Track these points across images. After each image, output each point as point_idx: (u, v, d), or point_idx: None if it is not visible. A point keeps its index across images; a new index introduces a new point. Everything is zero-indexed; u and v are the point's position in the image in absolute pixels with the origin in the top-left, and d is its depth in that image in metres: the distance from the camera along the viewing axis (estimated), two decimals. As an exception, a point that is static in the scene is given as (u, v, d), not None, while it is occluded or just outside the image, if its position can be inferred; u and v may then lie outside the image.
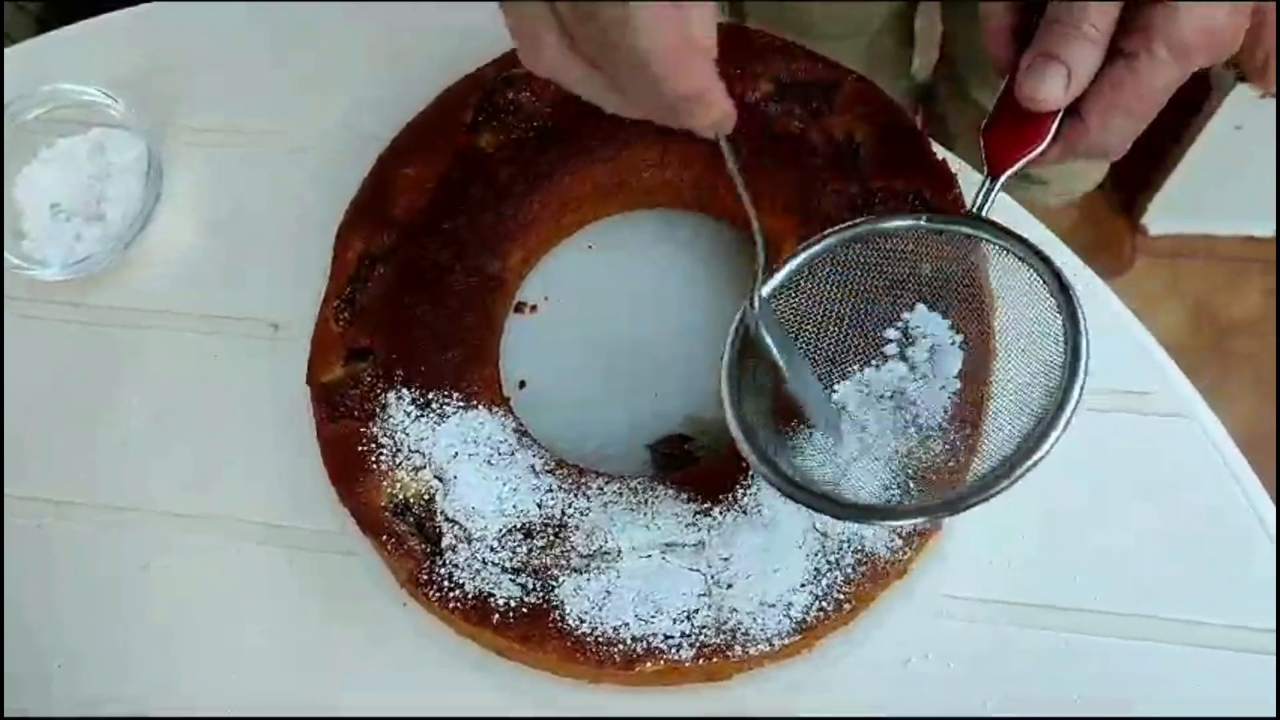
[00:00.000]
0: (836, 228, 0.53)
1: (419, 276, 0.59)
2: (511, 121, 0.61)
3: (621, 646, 0.52)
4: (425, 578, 0.54)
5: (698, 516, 0.53)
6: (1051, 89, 0.47)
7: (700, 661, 0.52)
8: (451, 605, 0.53)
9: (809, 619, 0.52)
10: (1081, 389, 0.47)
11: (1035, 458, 0.46)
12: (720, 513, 0.53)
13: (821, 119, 0.59)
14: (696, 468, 0.58)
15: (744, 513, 0.53)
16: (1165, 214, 1.38)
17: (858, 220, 0.53)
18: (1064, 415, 0.47)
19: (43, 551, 0.62)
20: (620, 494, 0.54)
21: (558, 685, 0.56)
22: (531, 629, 0.52)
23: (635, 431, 0.61)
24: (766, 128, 0.59)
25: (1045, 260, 0.49)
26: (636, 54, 0.39)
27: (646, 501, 0.54)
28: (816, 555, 0.52)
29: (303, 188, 0.67)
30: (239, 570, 0.61)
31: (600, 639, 0.52)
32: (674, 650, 0.52)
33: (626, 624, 0.52)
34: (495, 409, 0.57)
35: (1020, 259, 0.50)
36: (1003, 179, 0.50)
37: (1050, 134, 0.49)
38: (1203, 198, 1.33)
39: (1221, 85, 1.16)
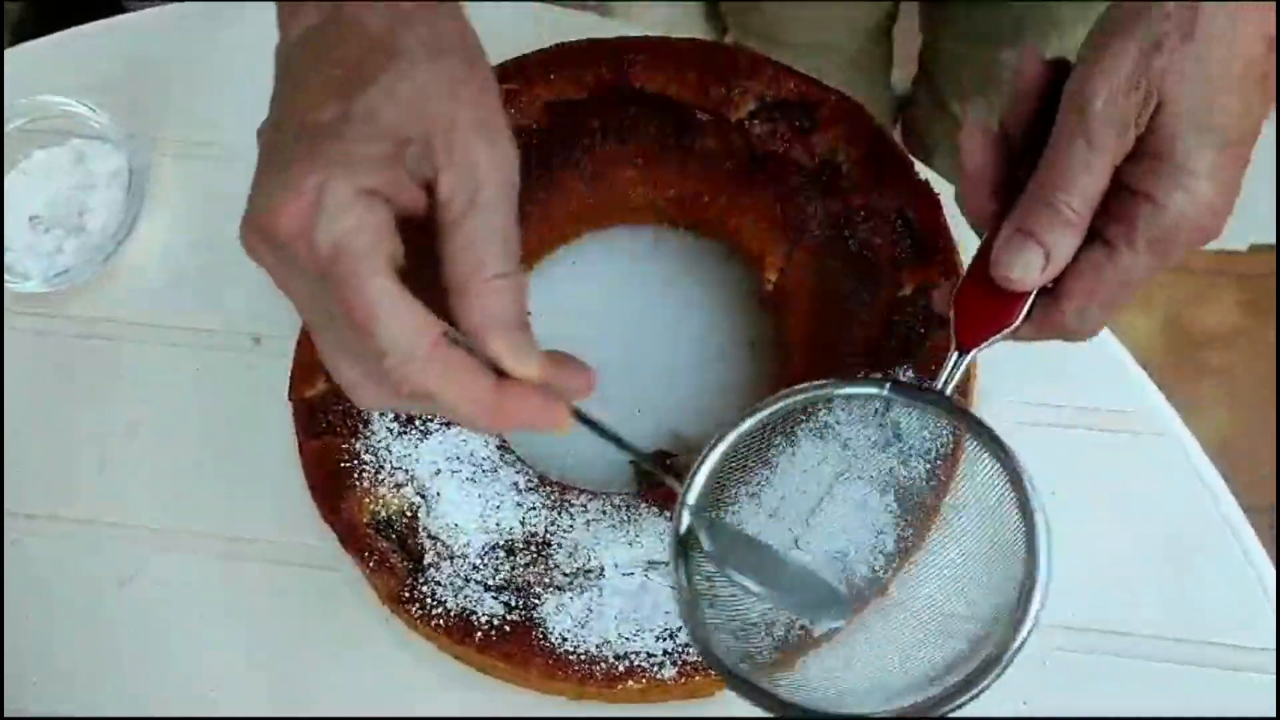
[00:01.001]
0: (781, 397, 0.50)
1: (402, 292, 0.58)
2: (496, 138, 0.60)
3: (604, 664, 0.52)
4: (407, 595, 0.54)
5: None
6: (1028, 272, 0.45)
7: (683, 679, 0.52)
8: (434, 623, 0.53)
9: (790, 638, 0.52)
10: (1034, 623, 0.45)
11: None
12: (703, 531, 0.53)
13: (804, 137, 0.59)
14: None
15: (727, 531, 0.53)
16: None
17: (818, 384, 0.50)
18: (1010, 651, 0.45)
19: (17, 567, 0.62)
20: (603, 511, 0.55)
21: (539, 702, 0.56)
22: (514, 647, 0.52)
23: (616, 448, 0.61)
24: (749, 146, 0.59)
25: (1008, 457, 0.47)
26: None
27: (629, 519, 0.54)
28: (798, 574, 0.52)
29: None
30: (218, 586, 0.61)
31: (583, 657, 0.52)
32: (657, 668, 0.52)
33: (609, 641, 0.52)
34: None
35: (981, 448, 0.48)
36: (970, 356, 0.48)
37: (1023, 314, 0.47)
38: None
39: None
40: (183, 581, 0.61)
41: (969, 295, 0.48)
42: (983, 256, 0.47)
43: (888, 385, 0.48)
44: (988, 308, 0.47)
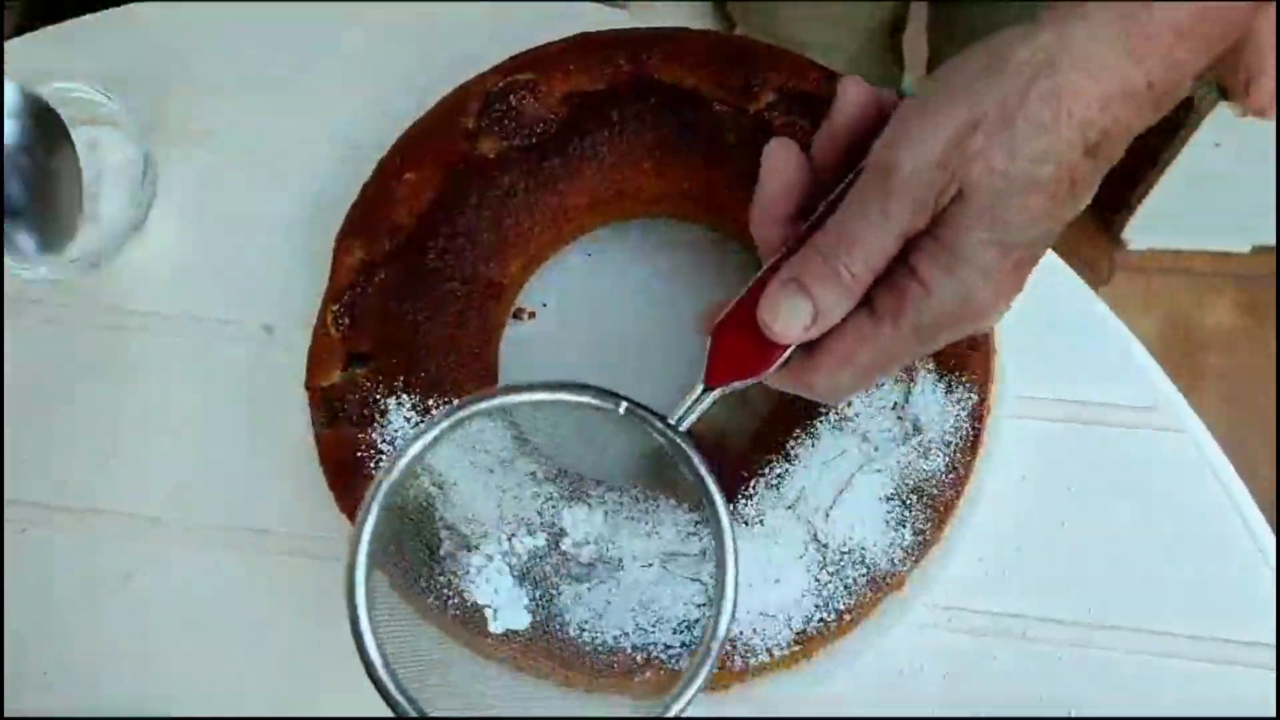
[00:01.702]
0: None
1: (419, 282, 0.58)
2: (513, 128, 0.60)
3: (621, 656, 0.52)
4: (423, 585, 0.53)
5: (699, 526, 0.53)
6: (792, 325, 0.44)
7: (701, 672, 0.52)
8: (450, 614, 0.53)
9: (809, 630, 0.52)
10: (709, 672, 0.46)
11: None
12: (721, 523, 0.53)
13: (824, 131, 0.59)
14: (695, 477, 0.58)
15: (745, 523, 0.53)
16: (1145, 229, 1.39)
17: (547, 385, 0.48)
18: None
19: (25, 558, 0.61)
20: (621, 503, 0.54)
21: (553, 693, 0.55)
22: (531, 638, 0.52)
23: (631, 440, 0.61)
24: (769, 138, 0.59)
25: (714, 509, 0.47)
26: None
27: (647, 511, 0.54)
28: (817, 567, 0.52)
29: (298, 190, 0.67)
30: (228, 577, 0.61)
31: (600, 648, 0.52)
32: (674, 660, 0.51)
33: (626, 633, 0.52)
34: (495, 416, 0.56)
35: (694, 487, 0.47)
36: (715, 395, 0.47)
37: (778, 364, 0.45)
38: (1181, 214, 1.35)
39: (1202, 104, 1.18)
40: (191, 574, 0.61)
41: (730, 327, 0.46)
42: (751, 293, 0.46)
43: (624, 404, 0.47)
44: (744, 347, 0.46)
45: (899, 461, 0.53)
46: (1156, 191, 1.32)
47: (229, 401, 0.63)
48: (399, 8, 0.70)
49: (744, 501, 0.53)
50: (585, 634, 0.52)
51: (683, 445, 0.47)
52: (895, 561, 0.53)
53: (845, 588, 0.52)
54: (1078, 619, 0.57)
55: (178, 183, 0.68)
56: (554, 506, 0.54)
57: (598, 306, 0.64)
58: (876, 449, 0.53)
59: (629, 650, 0.52)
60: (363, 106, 0.67)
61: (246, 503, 0.62)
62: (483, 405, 0.48)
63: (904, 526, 0.53)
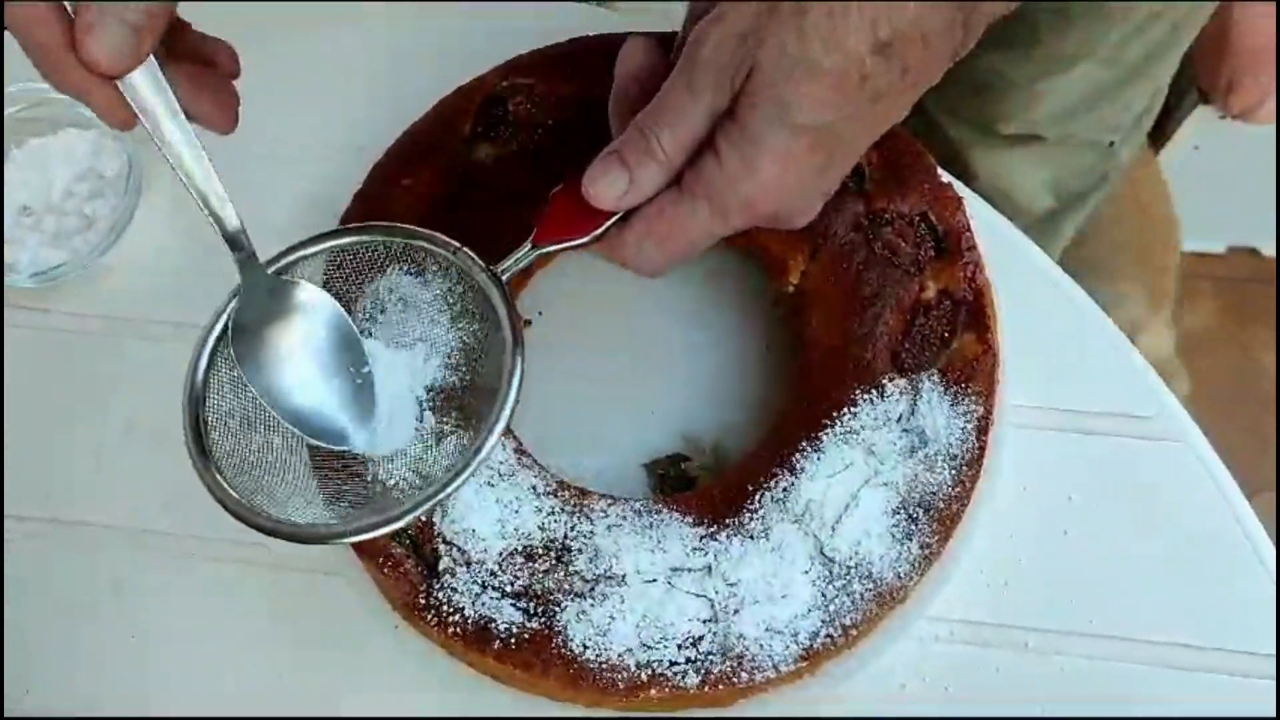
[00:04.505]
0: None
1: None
2: (510, 133, 0.59)
3: (626, 673, 0.51)
4: (423, 602, 0.52)
5: (704, 540, 0.53)
6: (608, 192, 0.48)
7: (705, 688, 0.51)
8: (450, 630, 0.52)
9: (815, 645, 0.51)
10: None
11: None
12: (726, 537, 0.53)
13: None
14: (695, 489, 0.57)
15: (750, 537, 0.52)
16: (1123, 230, 1.40)
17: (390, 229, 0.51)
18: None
19: (11, 570, 0.60)
20: (624, 516, 0.53)
21: (554, 710, 0.55)
22: (533, 655, 0.51)
23: (630, 450, 0.60)
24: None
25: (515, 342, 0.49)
26: None
27: (651, 525, 0.53)
28: (823, 581, 0.52)
29: (289, 194, 0.65)
30: (217, 590, 0.59)
31: (604, 665, 0.51)
32: (679, 677, 0.51)
33: (631, 650, 0.51)
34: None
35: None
36: (538, 252, 0.50)
37: (598, 231, 0.49)
38: (1159, 215, 1.36)
39: (1182, 107, 1.18)
40: (179, 585, 0.59)
41: (564, 196, 0.50)
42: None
43: (456, 250, 0.50)
44: (573, 215, 0.50)
45: (905, 474, 0.53)
46: (1135, 193, 1.32)
47: (217, 411, 0.62)
48: (396, 8, 0.69)
49: (749, 515, 0.53)
50: (589, 650, 0.51)
51: (497, 286, 0.50)
52: (902, 575, 0.52)
53: (852, 602, 0.52)
54: (1080, 629, 0.57)
55: (163, 187, 0.66)
56: (555, 520, 0.53)
57: (594, 315, 0.63)
58: (883, 462, 0.53)
59: (633, 667, 0.51)
60: (357, 109, 0.66)
61: (236, 514, 0.60)
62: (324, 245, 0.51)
63: (910, 540, 0.52)
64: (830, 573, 0.52)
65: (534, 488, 0.54)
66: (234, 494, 0.47)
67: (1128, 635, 0.57)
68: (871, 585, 0.52)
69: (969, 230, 0.57)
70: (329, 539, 0.47)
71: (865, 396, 0.54)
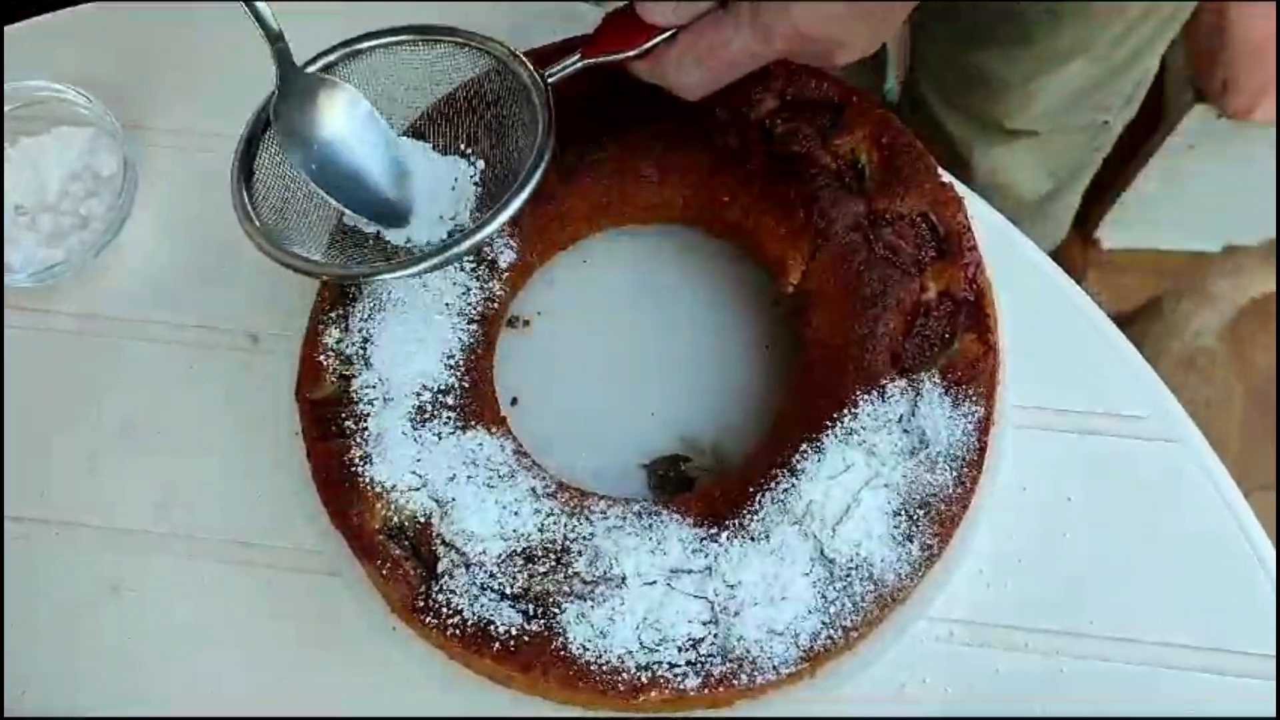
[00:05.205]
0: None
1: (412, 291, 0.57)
2: (509, 133, 0.59)
3: (626, 675, 0.51)
4: (422, 604, 0.52)
5: (704, 542, 0.52)
6: (659, 8, 0.49)
7: (706, 690, 0.51)
8: (449, 632, 0.51)
9: (816, 648, 0.51)
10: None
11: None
12: (727, 538, 0.52)
13: (828, 138, 0.58)
14: (695, 490, 0.57)
15: (751, 539, 0.52)
16: (1118, 228, 1.40)
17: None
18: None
19: (7, 571, 0.60)
20: (624, 518, 0.53)
21: (553, 712, 0.55)
22: (533, 657, 0.51)
23: (629, 451, 0.60)
24: (771, 146, 0.58)
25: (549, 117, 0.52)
26: None
27: (651, 526, 0.53)
28: (824, 583, 0.52)
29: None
30: (214, 592, 0.59)
31: (604, 667, 0.51)
32: (680, 679, 0.51)
33: (631, 652, 0.51)
34: (494, 429, 0.55)
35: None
36: (584, 63, 0.53)
37: (645, 46, 0.51)
38: (1154, 213, 1.36)
39: (1178, 105, 1.18)
40: (176, 587, 0.59)
41: (618, 18, 0.52)
42: None
43: (506, 50, 0.54)
44: (623, 33, 0.51)
45: (906, 475, 0.53)
46: (1130, 191, 1.32)
47: (214, 412, 0.62)
48: (394, 8, 0.69)
49: (749, 517, 0.53)
50: (589, 652, 0.51)
51: (545, 88, 0.53)
52: (902, 577, 0.52)
53: (853, 604, 0.51)
54: (1080, 629, 0.57)
55: (158, 186, 0.66)
56: (555, 522, 0.53)
57: (594, 315, 0.63)
58: (883, 463, 0.53)
59: (633, 669, 0.51)
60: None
61: (233, 514, 0.60)
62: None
63: (911, 541, 0.52)
64: (831, 574, 0.52)
65: (533, 489, 0.54)
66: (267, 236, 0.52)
67: (1128, 635, 0.57)
68: (872, 587, 0.52)
69: (970, 230, 0.57)
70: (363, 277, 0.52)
71: (866, 397, 0.54)
